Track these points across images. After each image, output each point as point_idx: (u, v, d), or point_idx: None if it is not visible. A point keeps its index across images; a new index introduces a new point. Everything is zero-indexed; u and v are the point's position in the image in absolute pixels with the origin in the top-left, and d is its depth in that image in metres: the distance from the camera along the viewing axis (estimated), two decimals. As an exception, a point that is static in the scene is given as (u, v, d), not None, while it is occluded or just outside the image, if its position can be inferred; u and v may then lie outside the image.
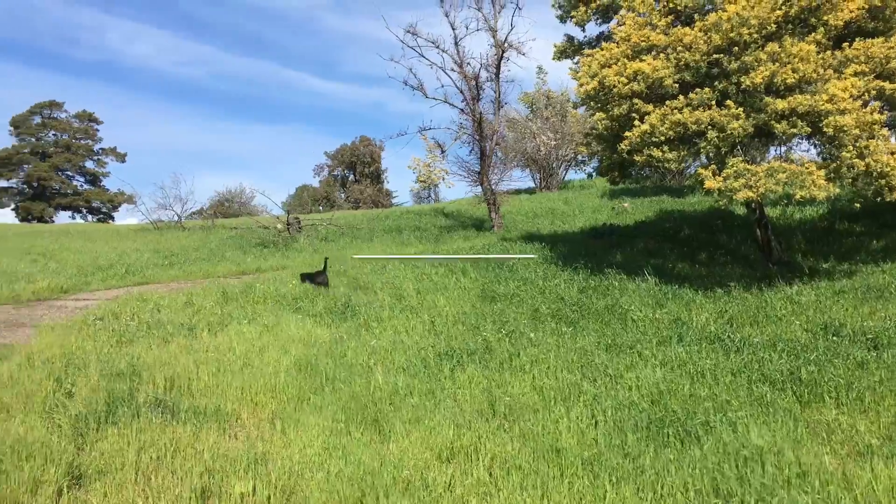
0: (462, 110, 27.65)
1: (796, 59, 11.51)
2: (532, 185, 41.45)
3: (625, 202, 27.57)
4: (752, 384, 7.62)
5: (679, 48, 12.26)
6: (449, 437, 6.34)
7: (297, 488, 5.52)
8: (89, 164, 79.37)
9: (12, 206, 75.71)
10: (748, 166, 11.64)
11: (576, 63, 17.72)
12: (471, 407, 7.22)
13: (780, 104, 11.48)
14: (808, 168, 11.43)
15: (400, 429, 6.64)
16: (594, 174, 46.43)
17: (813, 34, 12.09)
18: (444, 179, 34.49)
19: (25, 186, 76.08)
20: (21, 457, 5.78)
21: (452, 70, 26.97)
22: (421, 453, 6.07)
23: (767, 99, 11.71)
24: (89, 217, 77.96)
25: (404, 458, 5.98)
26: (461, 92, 27.21)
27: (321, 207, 66.76)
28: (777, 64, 11.58)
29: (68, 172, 77.84)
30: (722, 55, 12.04)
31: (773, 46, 11.67)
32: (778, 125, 11.67)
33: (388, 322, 11.28)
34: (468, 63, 26.90)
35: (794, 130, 11.61)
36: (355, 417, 6.97)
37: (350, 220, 33.73)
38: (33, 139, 76.69)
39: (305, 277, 14.96)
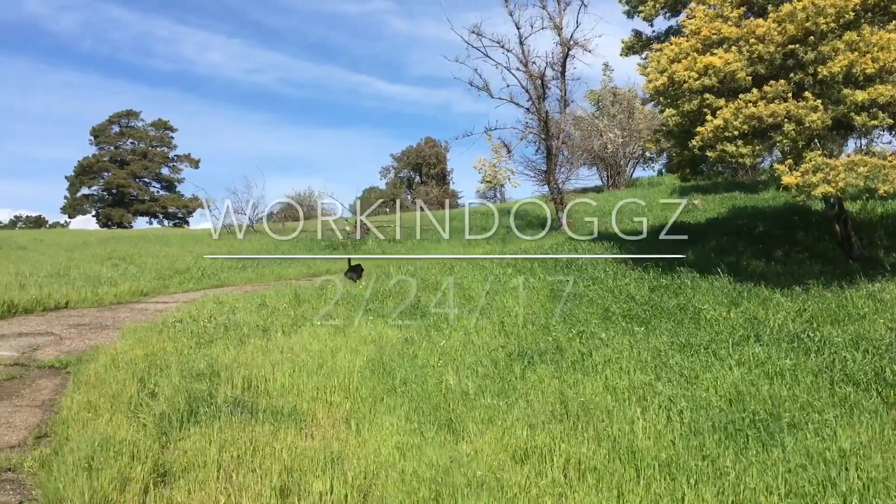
0: (528, 109, 27.60)
1: (876, 49, 11.10)
2: (599, 183, 41.04)
3: (695, 199, 27.01)
4: (835, 385, 7.39)
5: (752, 40, 11.96)
6: (522, 437, 6.34)
7: (373, 487, 5.59)
8: (165, 171, 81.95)
9: (94, 212, 78.69)
10: (827, 160, 11.28)
11: (644, 59, 17.49)
12: (543, 408, 7.19)
13: (860, 95, 11.10)
14: (891, 161, 11.01)
15: (473, 429, 6.66)
16: (663, 171, 45.70)
17: (893, 22, 11.64)
18: (509, 179, 34.34)
19: (105, 193, 79.05)
20: (110, 454, 6.01)
21: (518, 69, 26.95)
22: (495, 454, 6.07)
23: (846, 90, 11.32)
24: (165, 222, 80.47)
25: (478, 458, 6.00)
26: (526, 91, 27.15)
27: (388, 209, 67.36)
28: (856, 53, 11.18)
29: (145, 179, 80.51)
30: (797, 46, 11.69)
31: (851, 35, 11.29)
32: (858, 117, 11.28)
33: (458, 322, 11.32)
34: (533, 62, 26.85)
35: (875, 122, 11.21)
36: (428, 418, 7.02)
37: (416, 222, 33.97)
38: (112, 148, 79.63)
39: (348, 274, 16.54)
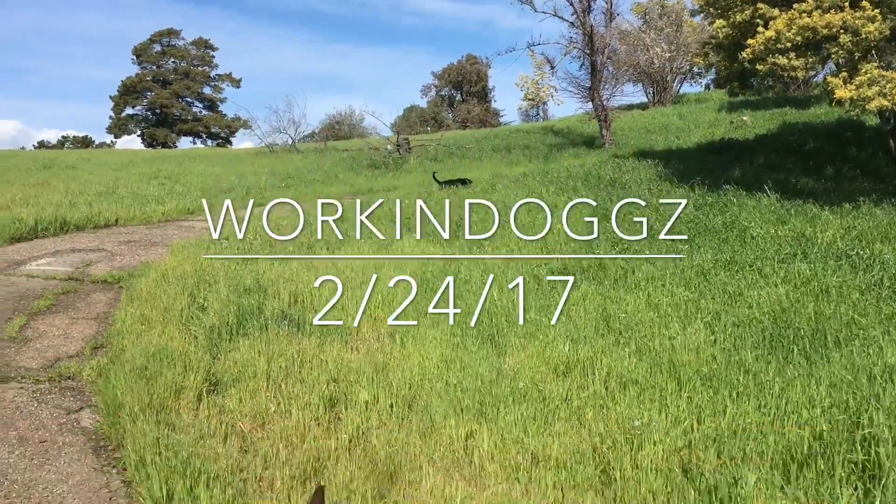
0: (572, 24, 26.86)
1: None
2: (645, 99, 40.07)
3: (744, 115, 26.29)
4: (882, 302, 7.30)
5: (809, -55, 11.40)
6: (564, 352, 6.40)
7: (418, 398, 5.73)
8: (207, 91, 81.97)
9: (138, 132, 79.53)
10: (883, 73, 10.85)
11: (694, -33, 16.80)
12: (585, 323, 7.23)
13: (922, 3, 10.58)
14: (952, 73, 10.56)
15: (515, 343, 6.75)
16: (711, 87, 44.45)
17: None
18: (552, 97, 33.71)
19: (149, 113, 79.61)
20: (163, 364, 6.23)
21: (562, -20, 26.08)
22: (537, 367, 6.16)
23: (907, -2, 10.80)
24: (209, 142, 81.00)
25: (521, 371, 6.09)
26: (571, 4, 26.35)
27: (429, 128, 66.86)
28: (920, -42, 10.62)
29: (188, 99, 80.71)
30: (857, -49, 11.13)
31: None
32: (919, 27, 10.79)
33: (500, 241, 11.33)
34: (578, -28, 25.96)
35: (938, 32, 10.72)
36: (471, 332, 7.11)
37: (458, 140, 33.71)
38: (154, 67, 79.70)
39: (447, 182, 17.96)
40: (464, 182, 18.02)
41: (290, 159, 32.88)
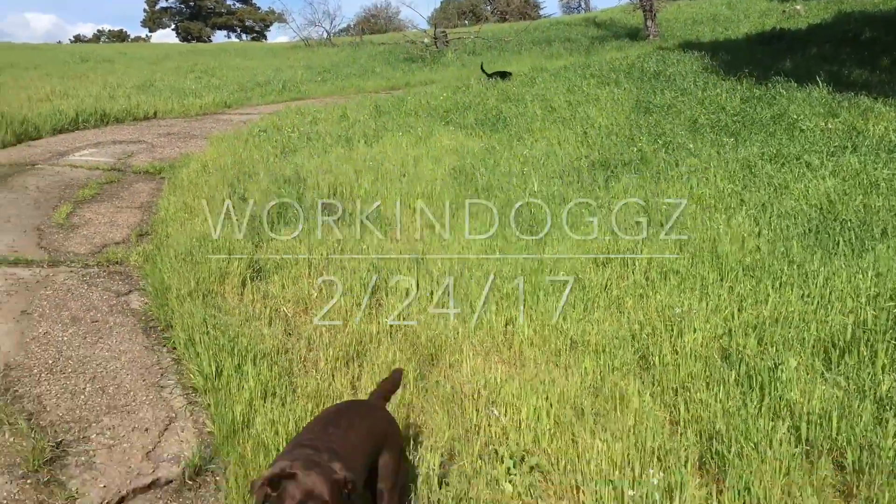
0: None
1: None
2: (692, -11, 38.37)
3: (797, 4, 25.13)
4: (934, 195, 7.09)
5: None
6: (605, 243, 6.37)
7: (458, 285, 5.77)
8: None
9: (173, 25, 78.72)
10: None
11: None
12: (625, 216, 7.16)
13: None
14: None
15: (556, 234, 6.72)
16: (763, -25, 42.32)
17: None
18: (595, -14, 32.17)
19: (183, 6, 78.53)
20: (209, 251, 6.34)
21: None
22: (577, 257, 6.15)
23: None
24: (243, 36, 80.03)
25: (560, 260, 6.09)
26: None
27: (467, 21, 65.12)
28: None
29: (221, -10, 79.39)
30: None
31: None
32: None
33: (540, 133, 11.16)
34: None
35: None
36: (510, 223, 7.09)
37: (497, 33, 32.83)
38: (186, -42, 78.18)
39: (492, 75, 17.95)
40: (504, 75, 17.64)
41: (325, 53, 32.42)
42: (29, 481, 3.62)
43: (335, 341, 4.94)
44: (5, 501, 3.49)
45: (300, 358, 4.79)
